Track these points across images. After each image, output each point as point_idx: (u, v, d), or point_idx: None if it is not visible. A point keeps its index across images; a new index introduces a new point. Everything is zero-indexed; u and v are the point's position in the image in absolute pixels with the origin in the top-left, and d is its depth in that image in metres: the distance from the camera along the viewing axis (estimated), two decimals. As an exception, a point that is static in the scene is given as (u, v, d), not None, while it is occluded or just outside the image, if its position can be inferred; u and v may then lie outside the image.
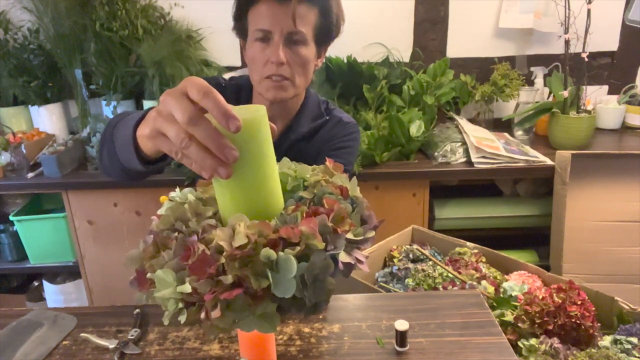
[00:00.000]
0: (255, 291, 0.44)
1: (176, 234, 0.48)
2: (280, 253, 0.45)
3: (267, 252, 0.44)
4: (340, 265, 0.47)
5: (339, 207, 0.50)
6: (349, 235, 0.49)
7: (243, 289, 0.43)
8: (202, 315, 0.44)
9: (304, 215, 0.49)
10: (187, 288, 0.43)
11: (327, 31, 0.95)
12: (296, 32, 0.88)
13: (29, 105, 2.12)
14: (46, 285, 2.11)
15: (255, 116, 0.48)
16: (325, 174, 0.58)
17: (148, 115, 0.55)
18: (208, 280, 0.43)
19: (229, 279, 0.43)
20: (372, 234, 0.52)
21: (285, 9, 0.86)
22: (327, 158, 0.61)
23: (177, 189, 0.58)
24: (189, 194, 0.57)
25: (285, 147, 1.00)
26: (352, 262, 0.48)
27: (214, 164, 0.46)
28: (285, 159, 0.63)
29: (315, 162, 0.99)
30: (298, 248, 0.45)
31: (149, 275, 0.47)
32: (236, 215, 0.47)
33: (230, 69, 2.22)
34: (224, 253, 0.43)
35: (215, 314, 0.43)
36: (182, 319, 0.45)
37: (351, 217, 0.51)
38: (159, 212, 0.55)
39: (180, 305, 0.45)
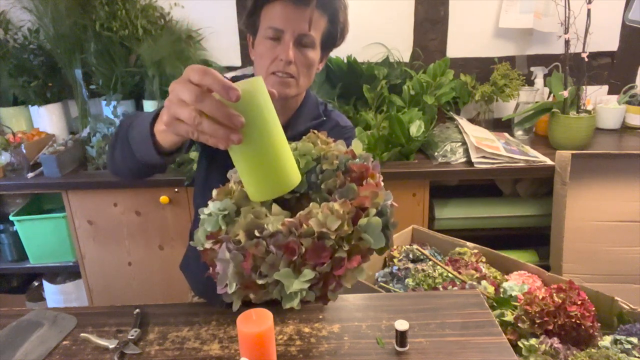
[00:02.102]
0: (363, 252, 0.56)
1: (258, 240, 0.55)
2: (365, 219, 0.55)
3: (362, 221, 0.55)
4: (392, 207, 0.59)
5: (365, 167, 0.61)
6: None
7: (360, 255, 0.55)
8: (332, 286, 0.54)
9: (348, 180, 0.60)
10: (310, 275, 0.53)
11: (332, 38, 0.98)
12: (307, 35, 0.91)
13: (29, 105, 2.12)
14: (46, 285, 2.11)
15: (252, 85, 0.55)
16: (324, 143, 0.66)
17: (162, 111, 0.60)
18: (328, 263, 0.54)
19: (344, 253, 0.54)
20: (381, 178, 0.63)
21: (299, 11, 0.89)
22: (311, 130, 0.68)
23: (210, 204, 0.63)
24: (227, 205, 0.62)
25: None
26: (395, 205, 0.61)
27: (225, 132, 0.53)
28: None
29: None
30: (372, 209, 0.56)
31: (259, 281, 0.55)
32: (310, 207, 0.56)
33: (230, 68, 2.22)
34: (332, 236, 0.54)
35: (348, 280, 0.55)
36: (312, 297, 0.55)
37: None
38: (205, 233, 0.60)
39: (305, 290, 0.54)
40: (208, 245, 0.59)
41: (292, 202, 0.65)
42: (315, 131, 0.70)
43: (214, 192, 0.66)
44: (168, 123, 0.57)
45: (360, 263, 0.55)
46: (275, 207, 0.61)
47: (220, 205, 0.61)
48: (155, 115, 0.67)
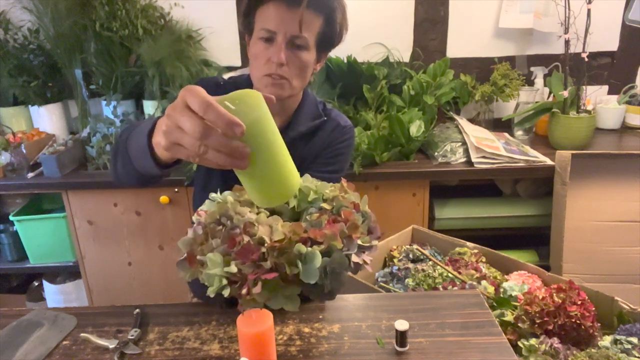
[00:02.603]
0: (287, 276, 0.57)
1: (221, 227, 0.61)
2: (309, 248, 0.58)
3: (300, 247, 0.58)
4: (352, 264, 0.60)
5: (354, 218, 0.63)
6: (359, 242, 0.63)
7: (278, 273, 0.57)
8: (244, 291, 0.56)
9: (327, 221, 0.62)
10: (233, 269, 0.56)
11: (329, 38, 0.98)
12: (299, 37, 0.91)
13: (29, 105, 2.12)
14: (46, 285, 2.11)
15: (253, 109, 0.55)
16: (341, 191, 0.69)
17: (158, 126, 0.60)
18: (251, 264, 0.57)
19: (268, 264, 0.57)
20: (376, 242, 0.65)
21: (292, 13, 0.88)
22: (343, 180, 0.72)
23: (218, 192, 0.70)
24: (229, 196, 0.68)
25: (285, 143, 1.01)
26: (361, 262, 0.61)
27: (231, 161, 0.53)
28: (308, 176, 0.73)
29: (313, 164, 1.00)
30: (322, 246, 0.59)
31: (198, 257, 0.60)
32: (273, 217, 0.62)
33: (230, 68, 2.22)
34: (266, 244, 0.57)
35: (256, 290, 0.56)
36: (226, 292, 0.57)
37: (361, 227, 0.64)
38: (203, 208, 0.67)
39: (225, 282, 0.57)
40: (194, 219, 0.65)
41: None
42: (345, 181, 0.71)
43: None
44: (167, 148, 0.56)
45: (283, 285, 0.58)
46: (262, 216, 0.64)
47: (222, 195, 0.68)
48: (152, 126, 0.66)
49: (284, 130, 1.03)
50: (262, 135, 0.56)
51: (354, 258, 0.60)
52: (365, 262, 0.61)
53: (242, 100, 0.56)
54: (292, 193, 0.64)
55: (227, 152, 0.52)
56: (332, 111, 1.10)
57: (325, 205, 0.66)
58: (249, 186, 0.61)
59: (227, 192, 0.69)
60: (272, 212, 0.69)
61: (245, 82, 1.04)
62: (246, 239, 0.58)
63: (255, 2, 0.90)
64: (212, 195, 0.69)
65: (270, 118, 0.57)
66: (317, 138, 1.06)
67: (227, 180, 1.01)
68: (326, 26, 0.95)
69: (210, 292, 0.57)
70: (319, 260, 0.57)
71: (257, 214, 0.65)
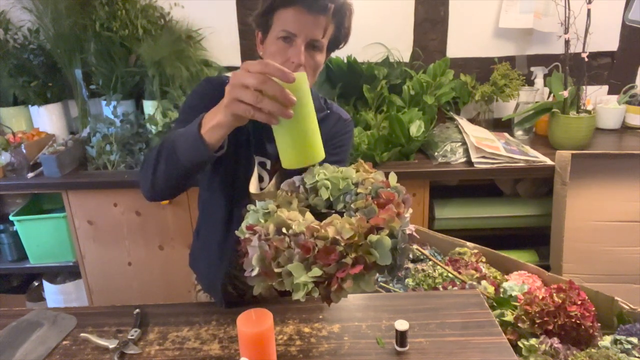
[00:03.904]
0: (367, 264, 0.63)
1: (282, 236, 0.65)
2: (377, 236, 0.64)
3: (371, 237, 0.64)
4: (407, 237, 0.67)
5: (396, 197, 0.69)
6: None
7: (363, 265, 0.62)
8: (334, 288, 0.62)
9: (378, 207, 0.68)
10: (317, 272, 0.62)
11: (337, 41, 1.02)
12: (318, 40, 0.95)
13: (29, 105, 2.12)
14: (46, 285, 2.11)
15: (300, 75, 0.71)
16: (365, 171, 0.76)
17: (220, 103, 0.74)
18: (334, 265, 0.62)
19: (349, 260, 0.62)
20: (410, 211, 0.70)
21: (312, 18, 0.92)
22: (359, 160, 0.80)
23: (257, 202, 0.74)
24: (271, 205, 0.72)
25: None
26: (412, 232, 0.68)
27: (281, 109, 0.68)
28: (327, 164, 0.79)
29: (326, 159, 1.02)
30: (386, 230, 0.65)
31: (276, 270, 0.64)
32: (332, 215, 0.67)
33: (230, 68, 2.22)
34: (342, 243, 0.63)
35: (348, 284, 0.62)
36: (316, 293, 0.63)
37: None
38: (250, 222, 0.71)
39: (311, 285, 0.62)
40: (247, 234, 0.69)
41: (325, 217, 0.72)
42: (362, 161, 0.79)
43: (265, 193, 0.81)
44: (228, 104, 0.70)
45: (364, 273, 0.63)
46: (309, 215, 0.71)
47: (263, 204, 0.72)
48: (199, 123, 0.78)
49: None
50: (304, 93, 0.72)
51: (408, 231, 0.67)
52: (413, 232, 0.69)
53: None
54: (319, 157, 0.76)
55: (280, 95, 0.68)
56: (332, 105, 1.14)
57: (361, 190, 0.72)
58: (285, 141, 0.74)
59: (267, 202, 0.73)
60: (307, 206, 0.76)
61: None
62: (320, 243, 0.63)
63: (277, 4, 0.92)
64: (251, 207, 0.74)
65: (308, 89, 0.73)
66: (322, 130, 1.07)
67: (233, 180, 1.02)
68: (337, 30, 0.99)
69: (297, 297, 0.63)
70: (388, 244, 0.64)
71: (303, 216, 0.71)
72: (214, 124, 0.75)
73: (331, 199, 0.74)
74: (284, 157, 0.76)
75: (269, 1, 0.93)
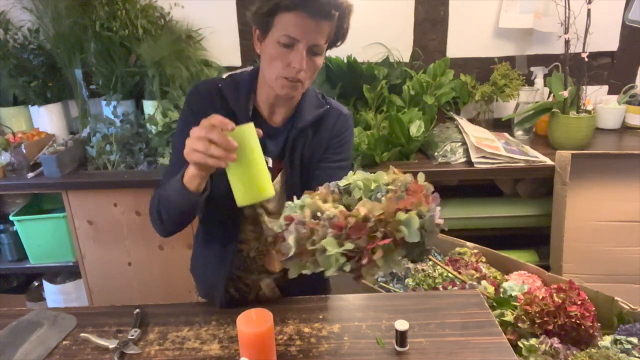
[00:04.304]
0: (396, 240, 0.68)
1: (317, 220, 0.72)
2: (407, 214, 0.69)
3: (400, 214, 0.69)
4: (436, 225, 0.71)
5: (424, 187, 0.76)
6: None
7: (391, 239, 0.67)
8: (364, 260, 0.67)
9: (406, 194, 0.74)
10: (349, 246, 0.67)
11: (335, 41, 1.02)
12: (319, 45, 0.95)
13: (29, 105, 2.12)
14: (46, 285, 2.11)
15: (241, 127, 0.83)
16: (396, 175, 0.81)
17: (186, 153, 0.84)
18: (365, 238, 0.67)
19: (379, 234, 0.68)
20: (438, 208, 0.74)
21: (315, 23, 0.91)
22: (390, 166, 0.84)
23: (294, 199, 0.81)
24: (307, 199, 0.79)
25: (294, 134, 1.05)
26: (441, 222, 0.73)
27: (225, 154, 0.80)
28: (360, 172, 0.84)
29: (325, 155, 1.08)
30: (414, 211, 0.69)
31: (309, 247, 0.70)
32: (364, 202, 0.73)
33: (230, 68, 2.22)
34: (373, 219, 0.68)
35: (378, 255, 0.67)
36: (347, 267, 0.68)
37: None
38: (288, 213, 0.77)
39: (343, 259, 0.67)
40: (284, 225, 0.76)
41: None
42: (392, 167, 0.84)
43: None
44: (187, 154, 0.83)
45: (393, 249, 0.69)
46: (342, 207, 0.76)
47: (300, 201, 0.79)
48: (181, 176, 0.91)
49: (291, 121, 1.07)
50: (248, 140, 0.83)
51: (437, 220, 0.71)
52: (442, 224, 0.73)
53: (238, 130, 0.83)
54: (267, 195, 0.85)
55: (223, 143, 0.80)
56: (331, 100, 1.14)
57: (391, 187, 0.78)
58: (234, 181, 0.84)
59: (304, 197, 0.80)
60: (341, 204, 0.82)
61: (245, 78, 1.05)
62: (351, 220, 0.69)
63: (280, 7, 0.90)
64: (289, 203, 0.81)
65: (255, 136, 0.84)
66: (324, 127, 1.10)
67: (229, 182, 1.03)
68: (336, 32, 0.98)
69: (330, 273, 0.69)
70: (416, 222, 0.68)
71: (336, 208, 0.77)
72: (189, 174, 0.88)
73: (363, 198, 0.78)
74: (235, 195, 0.86)
75: (272, 3, 0.91)
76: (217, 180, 1.05)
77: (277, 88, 0.98)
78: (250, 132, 0.84)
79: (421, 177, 0.80)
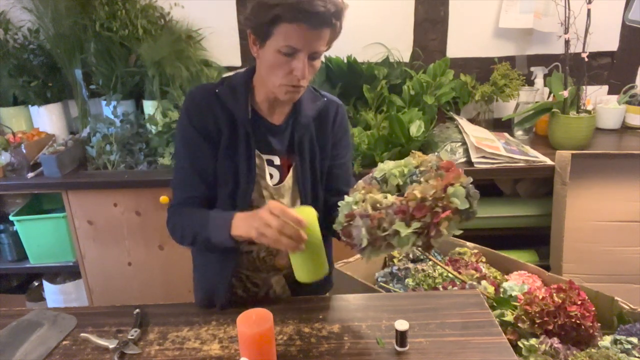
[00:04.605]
0: (452, 210, 0.80)
1: (377, 211, 0.82)
2: (454, 188, 0.80)
3: (449, 189, 0.80)
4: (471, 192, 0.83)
5: (453, 163, 0.86)
6: None
7: (450, 210, 0.79)
8: (433, 232, 0.79)
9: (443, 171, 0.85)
10: (417, 225, 0.78)
11: (331, 41, 1.01)
12: (320, 52, 0.95)
13: (29, 105, 2.12)
14: (46, 285, 2.11)
15: (309, 212, 0.91)
16: (421, 158, 0.91)
17: (247, 224, 0.92)
18: (429, 215, 0.79)
19: (439, 209, 0.79)
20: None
21: (316, 33, 0.91)
22: (412, 151, 0.95)
23: (346, 197, 0.91)
24: (357, 195, 0.88)
25: (300, 130, 1.07)
26: (476, 191, 0.84)
27: (295, 245, 0.87)
28: (387, 161, 0.95)
29: (335, 150, 1.12)
30: (458, 184, 0.81)
31: (381, 234, 0.82)
32: (413, 186, 0.84)
33: (230, 69, 2.22)
34: (430, 198, 0.80)
35: (444, 225, 0.79)
36: (420, 242, 0.80)
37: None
38: (346, 211, 0.88)
39: (415, 237, 0.79)
40: (345, 222, 0.85)
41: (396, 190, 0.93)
42: (414, 151, 0.94)
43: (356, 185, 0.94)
44: (257, 237, 0.89)
45: (451, 218, 0.80)
46: (390, 195, 0.87)
47: (351, 198, 0.88)
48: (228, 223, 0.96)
49: (293, 117, 1.08)
50: (312, 227, 0.89)
51: (472, 188, 0.83)
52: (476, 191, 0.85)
53: (299, 209, 0.90)
54: (326, 272, 0.94)
55: (295, 237, 0.86)
56: (323, 92, 1.15)
57: (422, 168, 0.88)
58: (298, 264, 0.93)
59: (356, 194, 0.89)
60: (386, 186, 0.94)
61: (240, 81, 1.04)
62: (412, 203, 0.79)
63: (280, 19, 0.90)
64: (343, 202, 0.90)
65: (316, 221, 0.91)
66: (325, 119, 1.11)
67: (235, 186, 1.05)
68: (333, 34, 0.98)
69: (405, 250, 0.81)
70: (463, 192, 0.80)
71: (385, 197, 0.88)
72: (242, 234, 0.93)
73: (400, 183, 0.89)
74: (297, 274, 0.95)
75: (271, 14, 0.89)
76: (223, 180, 1.06)
77: (279, 94, 0.99)
78: (314, 218, 0.90)
79: (444, 154, 0.92)
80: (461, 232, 0.86)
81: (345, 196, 0.90)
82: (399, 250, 0.83)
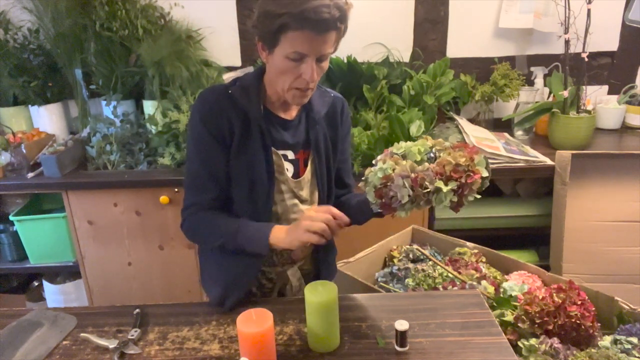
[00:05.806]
0: (478, 173, 0.91)
1: (415, 174, 0.91)
2: (479, 157, 0.92)
3: (476, 157, 0.92)
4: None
5: (467, 144, 0.99)
6: None
7: (478, 174, 0.91)
8: (467, 191, 0.89)
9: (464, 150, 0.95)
10: (454, 184, 0.89)
11: (337, 42, 1.02)
12: (326, 54, 0.97)
13: (29, 105, 2.12)
14: (46, 285, 2.11)
15: (332, 290, 0.93)
16: (435, 139, 1.00)
17: (289, 236, 0.98)
18: (464, 176, 0.89)
19: (470, 172, 0.90)
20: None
21: (323, 37, 0.92)
22: (424, 136, 1.04)
23: (378, 164, 0.96)
24: (388, 163, 0.94)
25: (313, 125, 1.10)
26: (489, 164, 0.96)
27: (332, 234, 0.95)
28: (403, 142, 1.00)
29: (343, 145, 1.16)
30: (479, 155, 0.93)
31: (422, 192, 0.89)
32: (443, 156, 0.94)
33: (230, 69, 2.22)
34: (463, 164, 0.90)
35: (476, 185, 0.90)
36: (455, 199, 0.89)
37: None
38: (378, 178, 0.94)
39: (451, 194, 0.89)
40: (381, 184, 0.93)
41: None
42: (427, 136, 1.02)
43: (378, 158, 1.00)
44: (306, 238, 0.94)
45: (479, 181, 0.91)
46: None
47: (384, 165, 0.94)
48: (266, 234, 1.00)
49: (305, 114, 1.11)
50: (334, 302, 0.92)
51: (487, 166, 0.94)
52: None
53: (327, 288, 0.94)
54: (334, 346, 0.95)
55: (334, 228, 0.95)
56: (327, 89, 1.17)
57: (438, 148, 0.97)
58: (315, 331, 0.93)
59: (387, 162, 0.95)
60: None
61: (251, 82, 1.05)
62: (449, 167, 0.90)
63: (286, 28, 0.91)
64: (375, 169, 0.96)
65: (336, 298, 0.94)
66: (335, 116, 1.15)
67: (253, 185, 1.06)
68: (340, 35, 0.99)
69: (442, 205, 0.90)
70: (483, 161, 0.92)
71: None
72: (284, 246, 0.98)
73: (418, 159, 0.96)
74: (311, 339, 0.95)
75: (277, 23, 0.90)
76: (237, 180, 1.06)
77: (289, 98, 1.01)
78: (336, 294, 0.93)
79: (454, 138, 0.92)
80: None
81: (372, 167, 0.97)
82: (435, 205, 0.91)
